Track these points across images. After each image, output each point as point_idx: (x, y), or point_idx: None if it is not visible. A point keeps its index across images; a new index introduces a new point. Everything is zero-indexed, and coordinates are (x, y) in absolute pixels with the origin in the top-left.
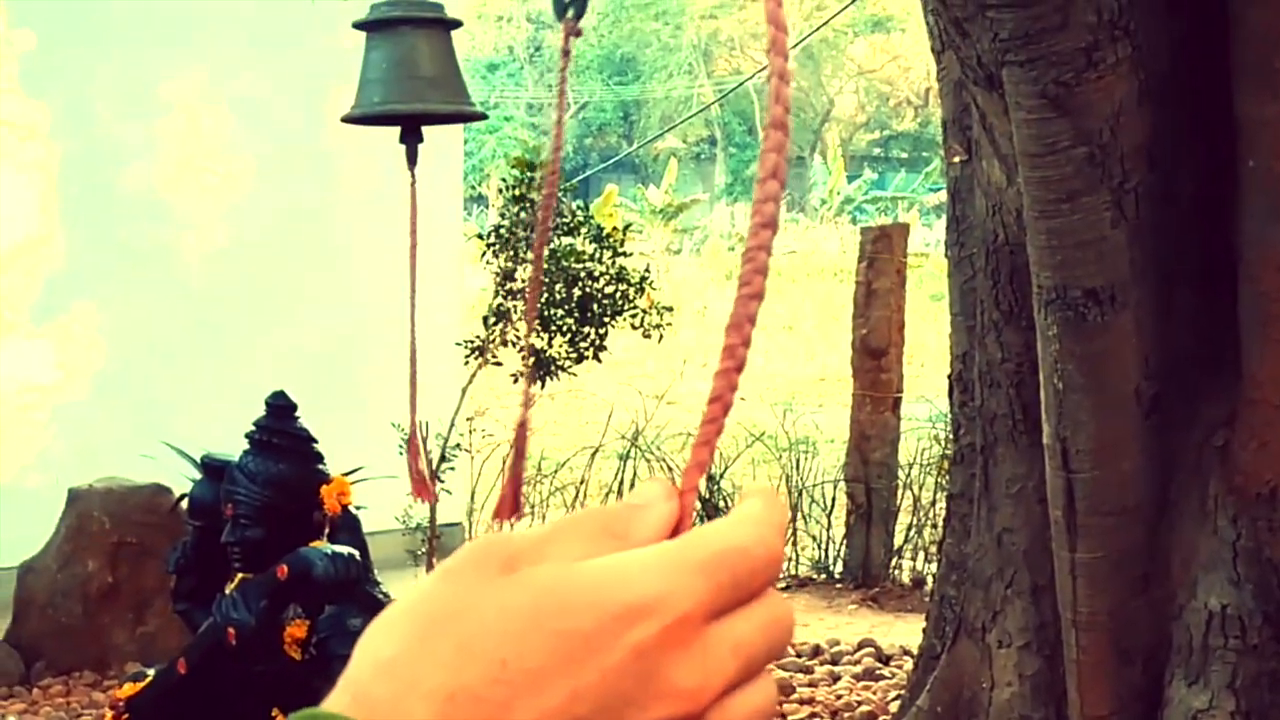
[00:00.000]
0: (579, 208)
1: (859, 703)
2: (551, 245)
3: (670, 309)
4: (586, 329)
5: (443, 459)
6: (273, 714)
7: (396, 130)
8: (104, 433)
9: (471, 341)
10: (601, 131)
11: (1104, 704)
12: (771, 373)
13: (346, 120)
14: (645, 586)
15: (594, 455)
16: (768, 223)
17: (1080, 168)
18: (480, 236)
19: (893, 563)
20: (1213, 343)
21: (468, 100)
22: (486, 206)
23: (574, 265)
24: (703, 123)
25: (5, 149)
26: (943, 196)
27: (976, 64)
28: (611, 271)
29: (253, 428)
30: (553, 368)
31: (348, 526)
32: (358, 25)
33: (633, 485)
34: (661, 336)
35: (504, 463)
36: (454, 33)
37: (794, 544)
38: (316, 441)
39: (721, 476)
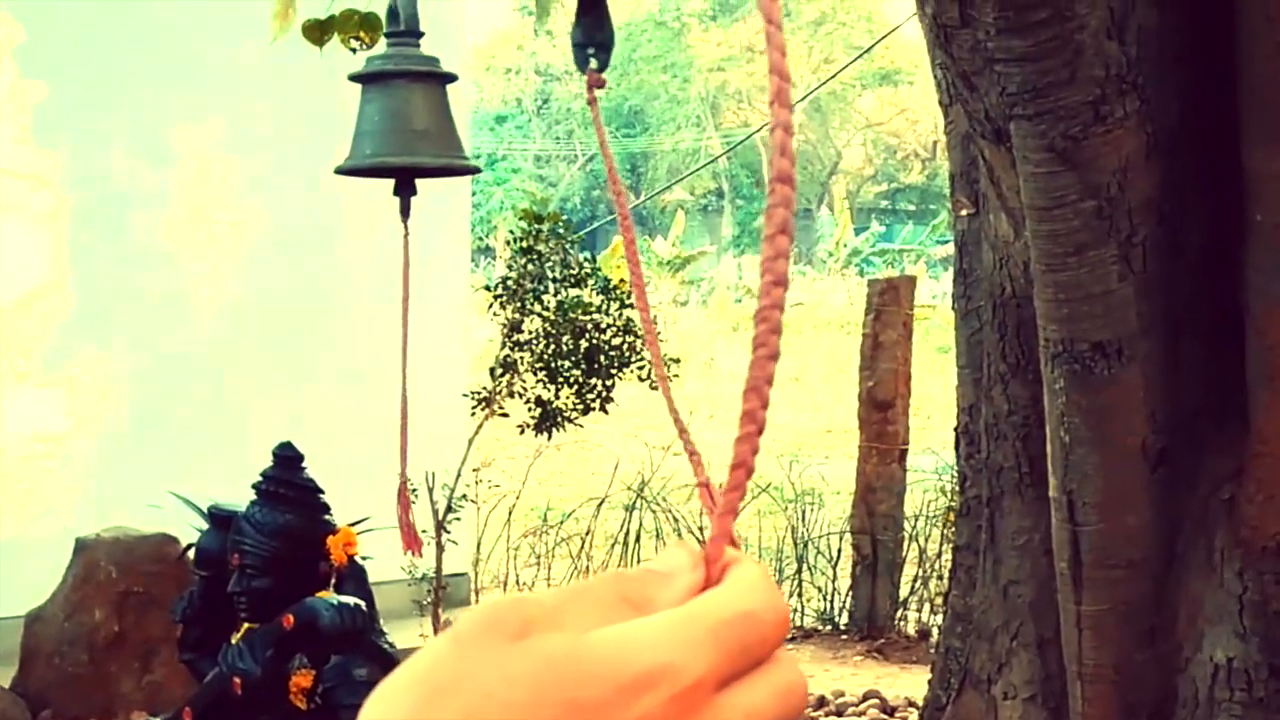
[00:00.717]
0: (586, 259)
1: None
2: (558, 297)
3: (677, 360)
4: (594, 380)
5: (449, 510)
6: None
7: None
8: (112, 482)
9: (478, 393)
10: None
11: None
12: (778, 424)
13: (339, 172)
14: (654, 655)
15: (600, 506)
16: (779, 280)
17: (1088, 221)
18: (487, 288)
19: (898, 614)
20: (1220, 396)
21: (461, 153)
22: (494, 258)
23: (581, 317)
24: (710, 175)
25: (17, 198)
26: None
27: (984, 118)
28: (619, 323)
29: (260, 478)
30: (559, 419)
31: (354, 577)
32: (354, 78)
33: (638, 537)
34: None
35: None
36: (461, 85)
37: (799, 595)
38: (323, 492)
39: None
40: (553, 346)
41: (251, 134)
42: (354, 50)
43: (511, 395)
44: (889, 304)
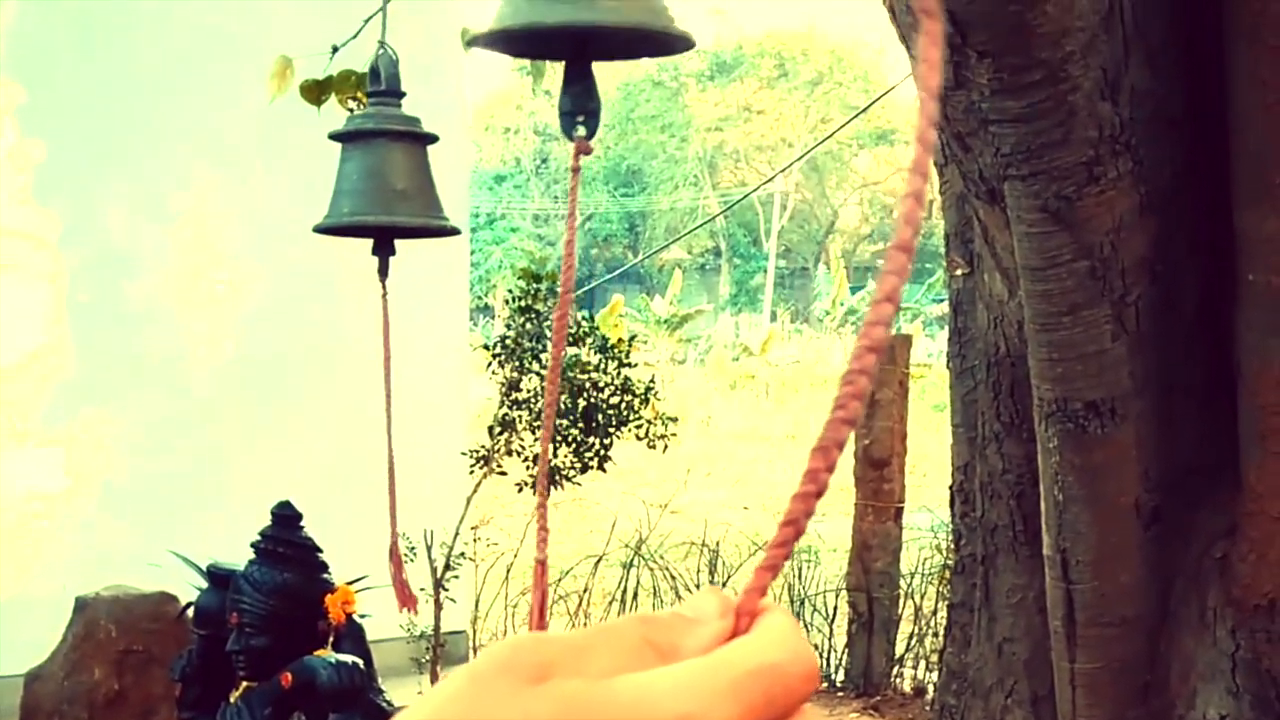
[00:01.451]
0: (585, 318)
1: None
2: None
3: (675, 419)
4: (592, 439)
5: (447, 567)
6: None
7: (401, 243)
8: (111, 540)
9: (476, 451)
10: (607, 242)
11: None
12: (775, 482)
13: (318, 230)
14: (675, 705)
15: (598, 564)
16: (875, 346)
17: (1081, 281)
18: (486, 347)
19: (894, 671)
20: (1213, 455)
21: (440, 214)
22: (492, 317)
23: (579, 376)
24: (707, 234)
25: (16, 258)
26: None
27: (978, 178)
28: (617, 382)
29: (258, 537)
30: (558, 477)
31: (352, 635)
32: (334, 136)
33: (635, 595)
34: (666, 446)
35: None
36: (460, 145)
37: None
38: (321, 551)
39: (724, 585)
40: None
41: (249, 195)
42: (351, 110)
43: (510, 453)
44: (885, 362)
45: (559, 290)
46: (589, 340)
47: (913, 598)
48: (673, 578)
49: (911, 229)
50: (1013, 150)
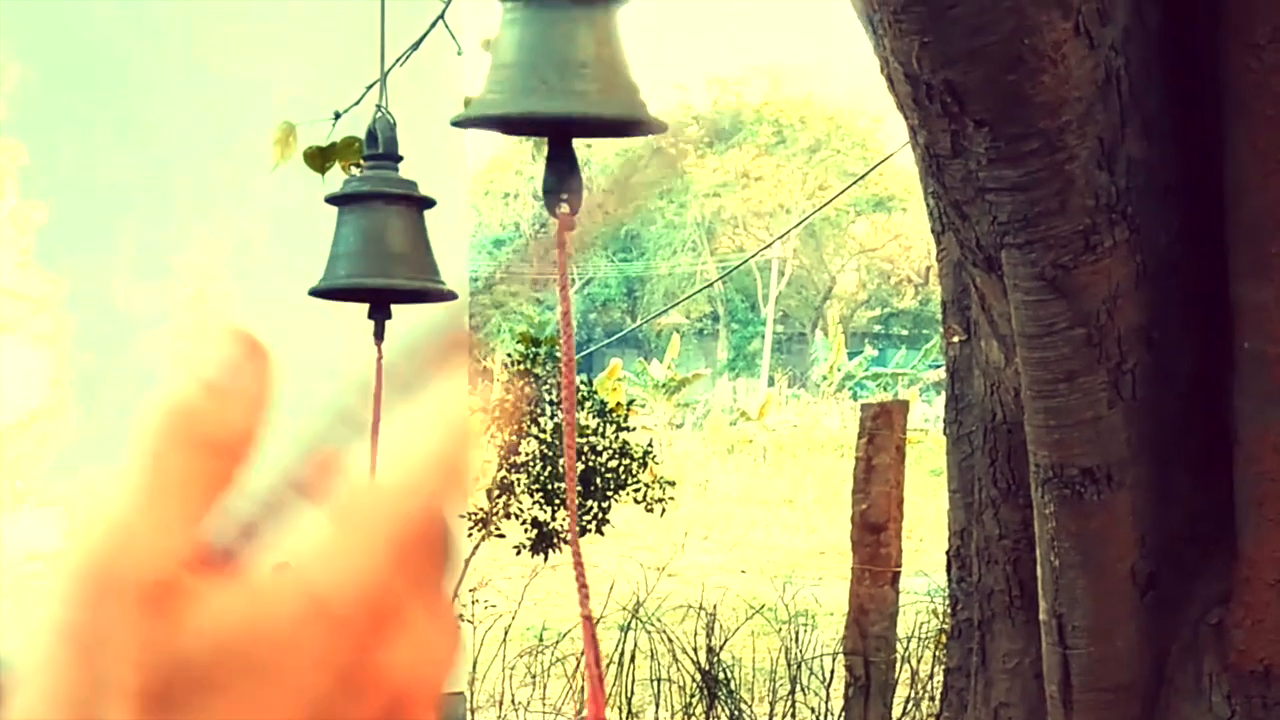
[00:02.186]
0: (583, 382)
1: None
2: (555, 419)
3: (673, 483)
4: (590, 502)
5: None
6: None
7: (401, 309)
8: None
9: (475, 513)
10: (605, 307)
11: None
12: (772, 546)
13: (313, 293)
14: None
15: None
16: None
17: (1078, 348)
18: (485, 410)
19: None
20: (1209, 521)
21: (437, 278)
22: (491, 380)
23: (578, 440)
24: (705, 299)
25: (19, 320)
26: (942, 374)
27: (975, 246)
28: (615, 446)
29: None
30: (556, 540)
31: None
32: (330, 200)
33: (633, 657)
34: (664, 510)
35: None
36: (460, 210)
37: (793, 717)
38: None
39: (721, 648)
40: (549, 469)
41: (252, 257)
42: (354, 177)
43: (508, 516)
44: (882, 428)
45: (557, 355)
46: (588, 404)
47: (909, 662)
48: (670, 640)
49: None
50: (1010, 218)
